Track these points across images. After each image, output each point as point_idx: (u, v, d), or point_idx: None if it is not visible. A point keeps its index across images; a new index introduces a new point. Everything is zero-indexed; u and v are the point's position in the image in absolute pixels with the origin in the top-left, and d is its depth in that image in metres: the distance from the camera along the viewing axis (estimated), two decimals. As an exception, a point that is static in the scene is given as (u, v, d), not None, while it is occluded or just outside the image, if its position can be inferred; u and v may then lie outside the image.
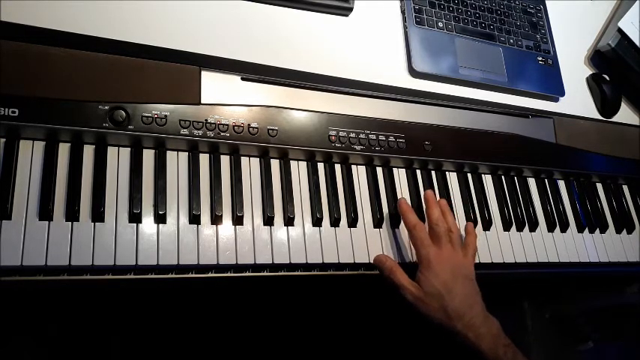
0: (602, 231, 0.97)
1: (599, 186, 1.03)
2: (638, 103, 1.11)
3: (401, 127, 0.83)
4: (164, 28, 0.74)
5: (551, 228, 0.92)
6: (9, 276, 0.58)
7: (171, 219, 0.66)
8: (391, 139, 0.81)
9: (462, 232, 0.80)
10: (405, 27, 0.93)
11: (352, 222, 0.76)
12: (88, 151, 0.66)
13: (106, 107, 0.65)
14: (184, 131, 0.68)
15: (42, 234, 0.60)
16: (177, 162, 0.70)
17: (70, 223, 0.61)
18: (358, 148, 0.78)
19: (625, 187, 1.06)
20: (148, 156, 0.68)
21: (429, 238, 0.73)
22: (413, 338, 1.02)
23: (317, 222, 0.74)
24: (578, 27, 1.13)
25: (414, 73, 0.90)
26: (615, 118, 1.07)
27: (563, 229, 0.93)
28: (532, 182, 0.96)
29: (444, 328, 0.69)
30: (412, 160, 0.84)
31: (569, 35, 1.10)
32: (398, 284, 0.71)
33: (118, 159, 0.67)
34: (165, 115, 0.67)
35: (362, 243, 0.76)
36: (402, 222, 0.79)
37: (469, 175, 0.89)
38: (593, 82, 1.08)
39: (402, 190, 0.82)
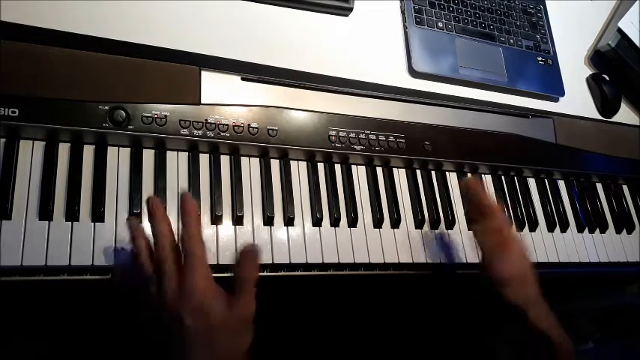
0: (602, 231, 0.97)
1: (599, 186, 1.03)
2: (638, 103, 1.11)
3: (401, 127, 0.83)
4: (164, 28, 0.74)
5: (551, 228, 0.92)
6: (9, 276, 0.58)
7: (171, 219, 0.66)
8: (391, 139, 0.81)
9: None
10: (405, 27, 0.93)
11: (352, 222, 0.76)
12: (88, 151, 0.65)
13: (106, 107, 0.65)
14: (184, 131, 0.68)
15: (42, 234, 0.60)
16: (177, 162, 0.70)
17: (70, 223, 0.61)
18: (358, 148, 0.78)
19: (625, 187, 1.06)
20: (148, 156, 0.68)
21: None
22: (413, 338, 1.02)
23: (317, 222, 0.74)
24: (578, 27, 1.13)
25: (413, 73, 0.90)
26: (615, 118, 1.07)
27: (563, 229, 0.93)
28: (532, 182, 0.95)
29: (521, 315, 0.69)
30: (412, 160, 0.84)
31: (569, 35, 1.10)
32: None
33: (118, 159, 0.67)
34: (165, 115, 0.67)
35: (362, 243, 0.75)
36: (401, 222, 0.79)
37: (469, 175, 0.89)
38: (593, 82, 1.08)
39: (402, 190, 0.82)
